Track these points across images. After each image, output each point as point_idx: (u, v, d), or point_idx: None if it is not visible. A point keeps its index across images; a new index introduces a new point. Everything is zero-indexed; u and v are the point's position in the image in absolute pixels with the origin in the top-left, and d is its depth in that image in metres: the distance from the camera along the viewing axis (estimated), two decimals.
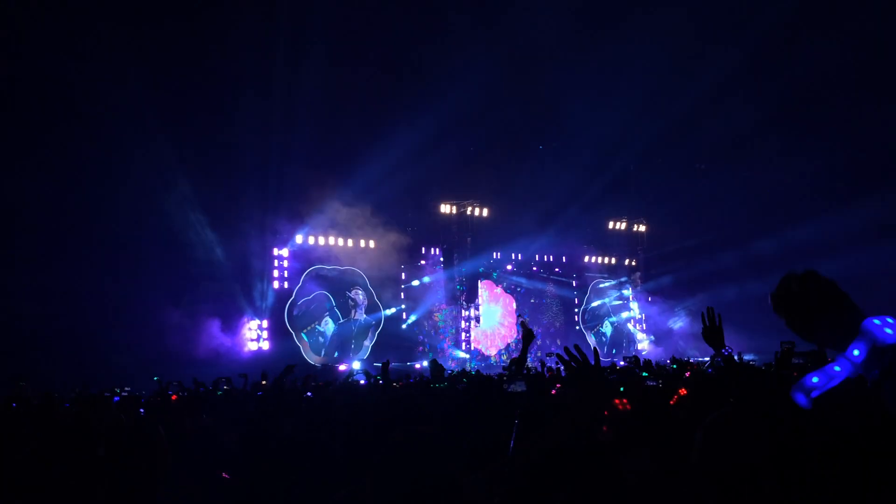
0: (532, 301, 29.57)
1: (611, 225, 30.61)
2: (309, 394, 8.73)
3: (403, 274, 26.13)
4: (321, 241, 23.95)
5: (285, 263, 23.40)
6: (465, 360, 25.74)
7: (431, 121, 22.93)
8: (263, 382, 9.79)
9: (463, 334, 26.73)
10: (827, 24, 21.42)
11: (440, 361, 22.03)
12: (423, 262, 26.69)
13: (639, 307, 31.96)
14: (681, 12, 22.22)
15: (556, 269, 30.15)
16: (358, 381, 10.92)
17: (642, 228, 31.25)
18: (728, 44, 22.61)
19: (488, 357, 27.11)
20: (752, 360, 14.59)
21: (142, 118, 18.42)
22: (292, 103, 21.01)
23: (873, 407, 1.37)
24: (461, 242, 26.68)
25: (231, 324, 21.57)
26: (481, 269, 27.76)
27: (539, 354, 23.81)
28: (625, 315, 31.88)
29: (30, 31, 17.24)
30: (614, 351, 30.38)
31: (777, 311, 1.54)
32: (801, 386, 1.39)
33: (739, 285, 24.00)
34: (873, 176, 22.78)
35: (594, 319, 31.34)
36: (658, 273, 30.95)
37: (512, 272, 29.13)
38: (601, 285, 31.54)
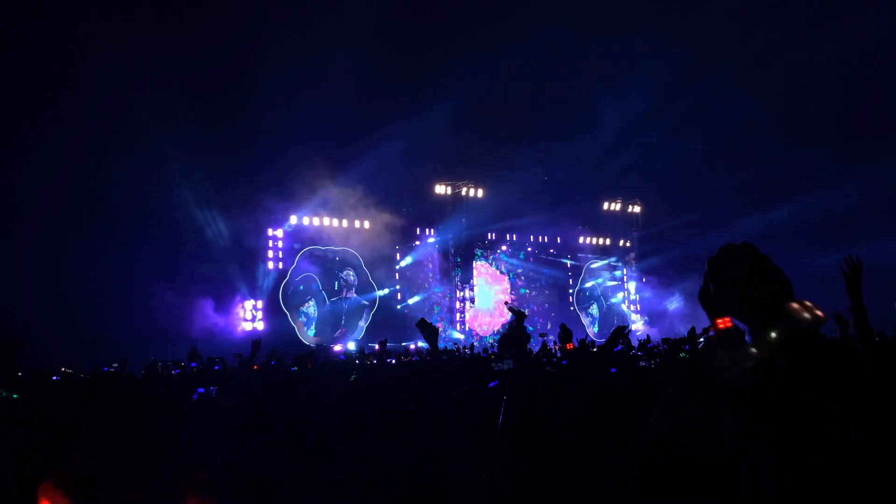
0: (526, 281, 29.65)
1: (605, 206, 30.61)
2: (294, 368, 8.79)
3: (398, 254, 26.15)
4: (315, 221, 23.94)
5: (280, 244, 23.42)
6: (460, 340, 25.83)
7: (427, 101, 22.86)
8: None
9: (458, 315, 26.80)
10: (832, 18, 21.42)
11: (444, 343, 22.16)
12: (417, 242, 26.70)
13: (633, 288, 32.06)
14: None
15: (551, 250, 30.18)
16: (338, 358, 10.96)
17: (637, 209, 31.26)
18: (732, 28, 22.53)
19: (483, 337, 27.19)
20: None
21: (136, 98, 18.30)
22: (287, 83, 20.92)
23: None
24: (456, 223, 26.68)
25: (225, 304, 21.62)
26: (476, 251, 27.83)
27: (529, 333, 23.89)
28: (619, 296, 31.99)
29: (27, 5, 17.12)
30: (607, 331, 30.48)
31: (711, 279, 1.52)
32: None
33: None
34: (869, 157, 22.84)
35: (588, 300, 31.43)
36: (652, 254, 31.00)
37: (506, 253, 29.17)
38: (595, 265, 31.59)
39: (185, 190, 19.49)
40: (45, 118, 17.67)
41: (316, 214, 23.86)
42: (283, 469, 3.57)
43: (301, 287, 23.85)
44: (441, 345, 20.02)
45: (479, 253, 28.12)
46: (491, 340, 26.58)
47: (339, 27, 21.31)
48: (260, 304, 22.59)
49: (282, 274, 23.31)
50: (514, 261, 29.36)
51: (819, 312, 1.35)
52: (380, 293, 25.41)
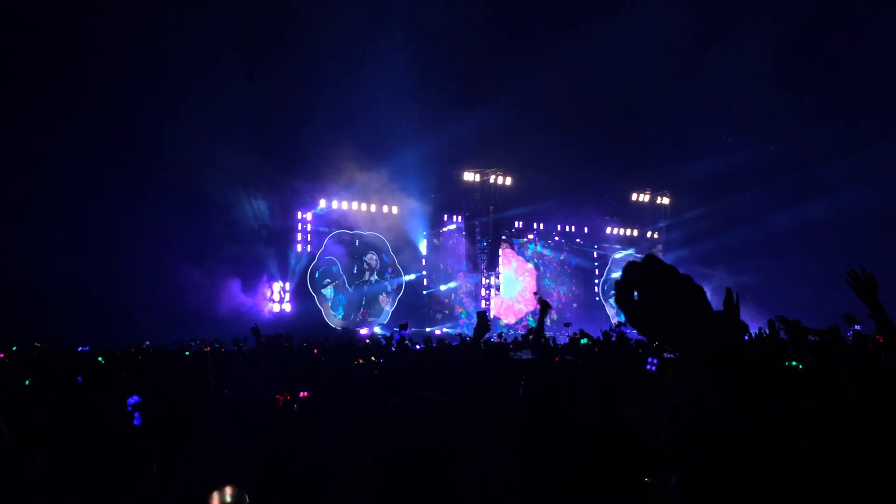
0: (552, 271, 29.63)
1: (634, 196, 30.39)
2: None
3: (425, 240, 26.26)
4: (344, 205, 24.10)
5: (309, 227, 23.63)
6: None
7: (458, 88, 22.85)
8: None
9: (483, 302, 26.87)
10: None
11: (460, 329, 22.33)
12: (445, 228, 26.79)
13: None
14: None
15: (578, 240, 30.08)
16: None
17: (666, 201, 30.98)
18: (758, 18, 22.16)
19: (508, 325, 27.25)
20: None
21: (169, 77, 18.54)
22: (318, 68, 21.02)
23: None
24: (484, 210, 26.71)
25: (253, 284, 21.89)
26: (503, 238, 27.84)
27: (551, 323, 23.95)
28: None
29: None
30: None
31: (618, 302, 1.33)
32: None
33: (761, 260, 23.93)
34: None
35: (614, 290, 31.24)
36: (680, 245, 30.75)
37: (533, 241, 29.15)
38: (619, 255, 31.43)
39: (215, 170, 19.69)
40: (78, 95, 17.95)
41: (345, 198, 24.00)
42: (299, 452, 3.61)
43: (329, 270, 24.07)
44: (468, 333, 20.18)
45: (506, 240, 28.12)
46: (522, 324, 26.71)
47: (367, 18, 21.34)
48: (288, 286, 22.85)
49: (310, 256, 23.54)
50: (541, 249, 29.34)
51: (739, 323, 1.21)
52: (406, 278, 25.57)
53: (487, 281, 27.04)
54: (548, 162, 25.73)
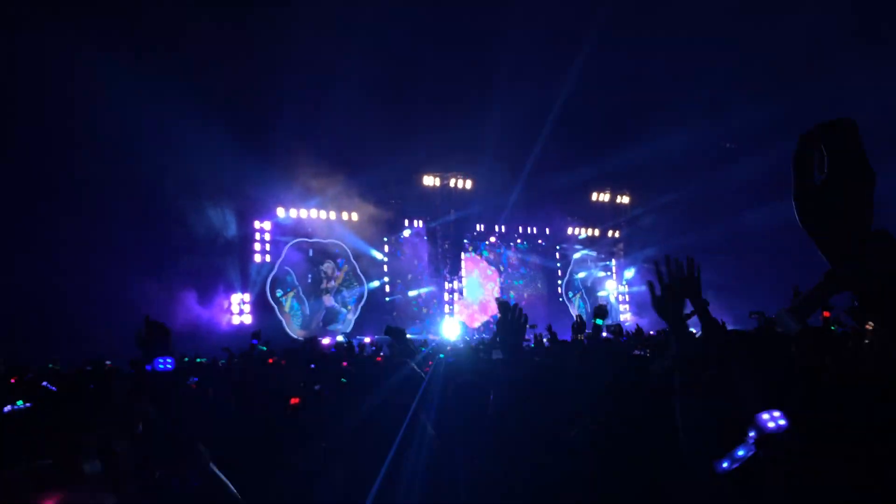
0: (516, 272, 29.63)
1: (594, 196, 30.56)
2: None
3: (386, 247, 26.04)
4: (303, 213, 23.78)
5: (267, 236, 23.25)
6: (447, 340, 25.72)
7: (415, 93, 22.69)
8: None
9: (447, 307, 26.72)
10: None
11: (427, 334, 22.10)
12: (406, 234, 26.59)
13: (622, 278, 32.09)
14: None
15: (540, 241, 30.18)
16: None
17: (626, 200, 31.23)
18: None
19: (472, 329, 27.13)
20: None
21: (117, 88, 18.01)
22: (274, 73, 20.67)
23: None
24: (444, 214, 26.58)
25: (211, 297, 21.42)
26: (465, 241, 27.75)
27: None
28: (608, 286, 32.02)
29: None
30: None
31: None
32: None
33: (724, 259, 24.09)
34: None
35: (576, 291, 31.45)
36: (641, 244, 31.02)
37: (495, 244, 29.13)
38: (583, 256, 31.61)
39: (167, 181, 19.20)
40: (21, 107, 17.35)
41: (303, 206, 23.70)
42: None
43: (288, 280, 23.70)
44: (434, 341, 19.98)
45: (468, 243, 28.05)
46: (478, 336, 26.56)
47: (326, 21, 21.04)
48: (247, 297, 22.42)
49: (269, 266, 23.16)
50: (503, 252, 29.33)
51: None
52: (370, 285, 25.31)
53: (451, 285, 26.91)
54: (507, 164, 25.70)
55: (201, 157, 19.85)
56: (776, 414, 1.48)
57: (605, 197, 30.72)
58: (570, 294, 31.23)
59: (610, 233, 31.66)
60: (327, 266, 24.67)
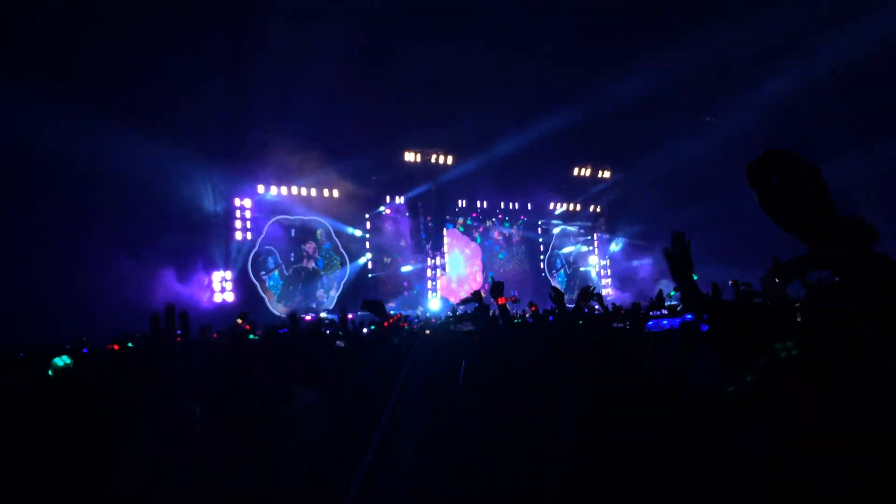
0: (498, 248, 29.68)
1: (575, 171, 30.58)
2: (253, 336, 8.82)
3: (368, 223, 25.97)
4: (284, 190, 23.66)
5: (248, 214, 23.10)
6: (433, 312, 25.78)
7: (396, 69, 22.48)
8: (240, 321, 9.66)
9: (429, 283, 26.76)
10: None
11: (412, 311, 22.17)
12: (387, 211, 26.51)
13: (603, 253, 32.25)
14: None
15: (522, 217, 30.22)
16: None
17: (607, 174, 31.27)
18: None
19: (454, 304, 27.17)
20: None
21: (93, 62, 17.70)
22: (254, 48, 20.38)
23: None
24: (426, 190, 26.52)
25: (191, 275, 21.28)
26: (447, 217, 27.73)
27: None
28: (590, 261, 32.19)
29: None
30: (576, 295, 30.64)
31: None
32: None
33: (704, 233, 24.19)
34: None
35: (558, 265, 31.59)
36: (622, 219, 31.15)
37: (477, 220, 29.13)
38: (564, 231, 31.71)
39: (146, 158, 18.93)
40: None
41: (284, 183, 23.57)
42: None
43: (269, 257, 23.61)
44: (416, 316, 20.03)
45: (449, 220, 28.03)
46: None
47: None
48: (229, 275, 22.32)
49: (251, 244, 23.04)
50: (485, 227, 29.35)
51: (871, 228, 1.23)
52: (352, 263, 25.28)
53: (433, 261, 26.92)
54: (488, 139, 25.62)
55: (180, 134, 19.62)
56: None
57: (586, 171, 30.74)
58: (553, 269, 31.37)
59: (591, 207, 31.75)
60: (308, 244, 24.59)
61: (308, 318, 21.31)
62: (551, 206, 30.66)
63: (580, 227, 32.01)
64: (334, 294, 24.87)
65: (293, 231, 24.20)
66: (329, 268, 24.95)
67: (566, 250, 31.69)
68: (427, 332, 7.59)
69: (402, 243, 26.64)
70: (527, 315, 16.66)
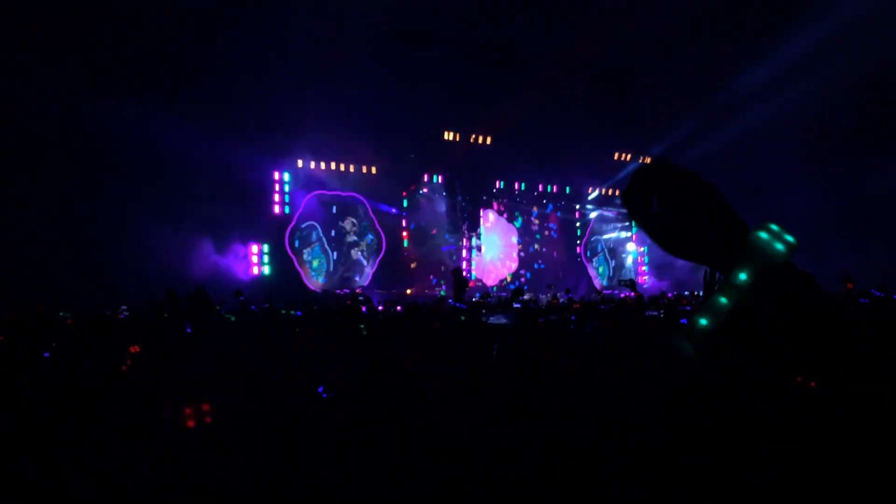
0: (534, 231, 29.50)
1: (616, 156, 30.15)
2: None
3: (405, 201, 25.97)
4: (322, 165, 23.73)
5: (286, 188, 23.23)
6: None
7: (439, 46, 22.33)
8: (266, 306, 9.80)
9: (464, 263, 26.71)
10: None
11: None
12: (425, 189, 26.47)
13: (641, 239, 31.87)
14: None
15: (560, 201, 29.97)
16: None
17: (648, 160, 30.73)
18: None
19: (490, 287, 27.14)
20: None
21: (135, 33, 17.87)
22: (295, 24, 20.37)
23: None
24: (464, 170, 26.38)
25: (228, 246, 21.51)
26: (484, 198, 27.59)
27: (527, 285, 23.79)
28: (629, 247, 31.86)
29: None
30: (615, 282, 30.43)
31: (633, 214, 1.15)
32: (688, 332, 1.08)
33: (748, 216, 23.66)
34: None
35: (596, 251, 31.32)
36: None
37: (514, 201, 28.95)
38: (602, 216, 31.39)
39: (187, 129, 19.09)
40: (38, 58, 17.27)
41: (323, 158, 23.63)
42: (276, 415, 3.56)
43: (307, 232, 23.76)
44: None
45: (486, 201, 27.89)
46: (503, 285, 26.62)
47: None
48: (266, 248, 22.51)
49: (288, 218, 23.19)
50: (522, 209, 29.16)
51: (790, 237, 1.04)
52: (388, 240, 25.33)
53: (469, 242, 26.85)
54: (529, 121, 25.35)
55: (221, 107, 19.76)
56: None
57: (627, 157, 30.28)
58: (590, 254, 31.11)
59: None
60: (346, 219, 24.67)
61: (343, 293, 21.46)
62: (590, 190, 30.33)
63: (619, 213, 31.63)
64: (369, 271, 24.97)
65: (330, 206, 24.29)
66: (365, 244, 25.02)
67: (600, 236, 31.38)
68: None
69: (439, 222, 26.57)
70: (560, 300, 16.58)
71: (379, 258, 25.17)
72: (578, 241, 30.64)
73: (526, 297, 15.16)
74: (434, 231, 26.51)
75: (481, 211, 27.32)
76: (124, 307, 11.87)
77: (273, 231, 22.70)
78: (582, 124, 25.72)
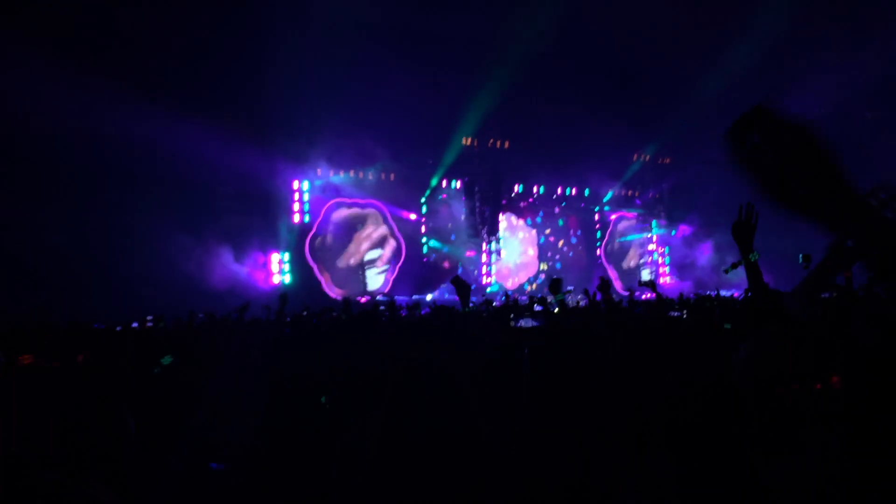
0: (554, 234, 29.39)
1: (635, 158, 29.95)
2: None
3: (423, 206, 25.98)
4: (341, 173, 23.81)
5: (306, 196, 23.31)
6: (493, 293, 25.64)
7: (456, 52, 22.32)
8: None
9: (484, 268, 26.66)
10: None
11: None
12: (443, 195, 26.47)
13: (662, 240, 31.64)
14: None
15: (581, 205, 29.85)
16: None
17: (667, 161, 30.54)
18: None
19: (509, 291, 27.05)
20: None
21: (156, 44, 18.03)
22: (314, 32, 20.44)
23: None
24: (481, 175, 26.34)
25: (250, 256, 21.62)
26: (503, 202, 27.52)
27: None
28: (649, 248, 31.64)
29: None
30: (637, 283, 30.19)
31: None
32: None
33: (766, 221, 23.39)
34: None
35: (616, 253, 31.12)
36: (682, 207, 30.46)
37: (533, 205, 28.86)
38: (623, 218, 31.20)
39: (208, 139, 19.22)
40: (65, 69, 17.47)
41: (340, 166, 23.71)
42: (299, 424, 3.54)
43: (326, 239, 23.83)
44: (474, 299, 19.96)
45: (505, 205, 27.81)
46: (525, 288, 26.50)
47: None
48: (286, 256, 22.60)
49: (307, 226, 23.28)
50: (541, 213, 29.06)
51: None
52: (407, 246, 25.36)
53: (488, 246, 26.79)
54: (547, 124, 25.26)
55: (241, 116, 19.88)
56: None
57: (646, 159, 30.07)
58: (613, 256, 30.93)
59: (651, 194, 31.11)
60: (365, 226, 24.73)
61: (364, 301, 21.49)
62: (610, 192, 30.14)
63: (639, 215, 31.42)
64: (389, 277, 24.98)
65: (350, 213, 24.36)
66: (384, 251, 25.05)
67: (619, 238, 31.18)
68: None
69: (458, 228, 26.55)
70: (580, 303, 16.44)
71: (399, 264, 25.18)
72: (599, 243, 30.47)
73: (568, 296, 14.83)
74: (453, 237, 26.49)
75: (500, 215, 27.25)
76: (150, 317, 11.93)
77: (293, 240, 22.78)
78: (600, 125, 25.55)
